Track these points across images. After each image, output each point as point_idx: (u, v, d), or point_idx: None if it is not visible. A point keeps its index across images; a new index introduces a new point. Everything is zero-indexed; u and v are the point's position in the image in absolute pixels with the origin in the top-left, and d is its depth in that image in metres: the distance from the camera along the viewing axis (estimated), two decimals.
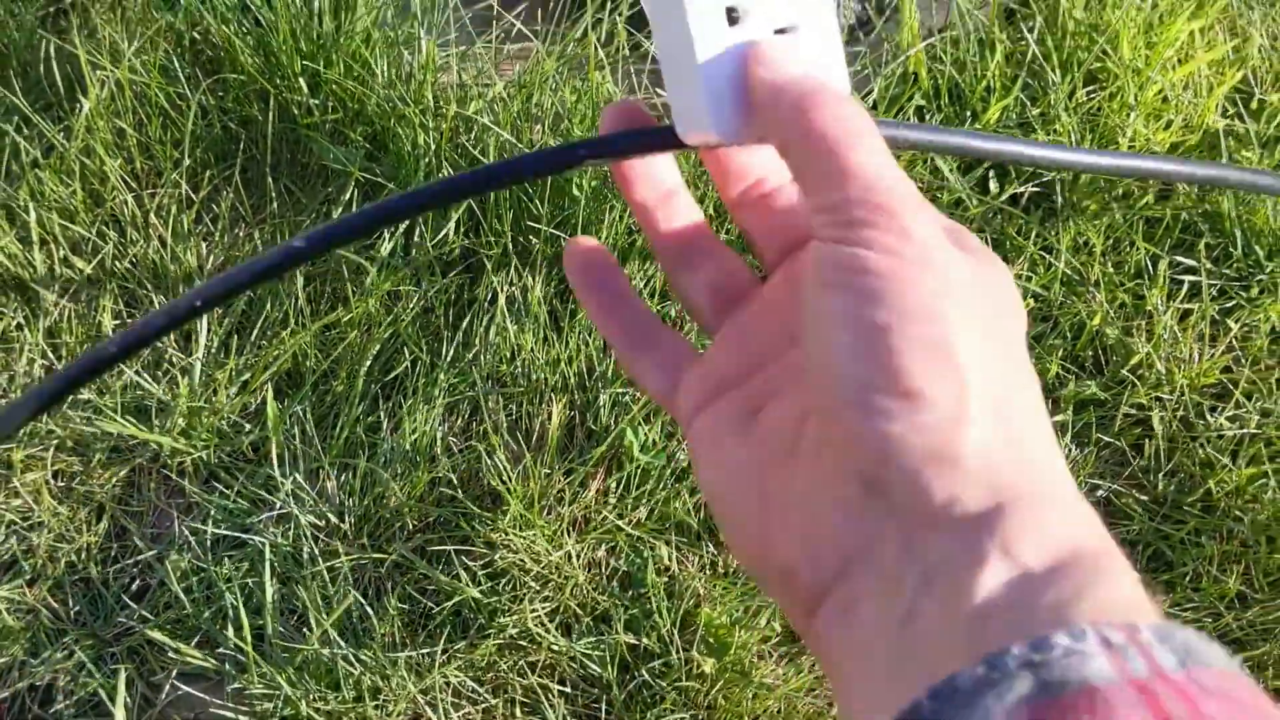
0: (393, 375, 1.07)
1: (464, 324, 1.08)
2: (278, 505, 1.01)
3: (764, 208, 0.40)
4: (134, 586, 1.03)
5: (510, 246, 1.11)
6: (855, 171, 0.31)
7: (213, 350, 1.11)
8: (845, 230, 0.31)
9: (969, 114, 1.19)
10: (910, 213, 0.31)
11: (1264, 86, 1.20)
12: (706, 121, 0.35)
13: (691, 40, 0.34)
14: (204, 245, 1.18)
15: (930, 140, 0.39)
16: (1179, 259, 1.10)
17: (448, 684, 0.96)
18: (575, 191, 1.11)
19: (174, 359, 1.11)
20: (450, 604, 0.96)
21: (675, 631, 0.95)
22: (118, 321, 1.15)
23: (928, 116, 1.20)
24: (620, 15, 1.17)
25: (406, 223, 1.14)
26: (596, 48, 1.14)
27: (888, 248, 0.30)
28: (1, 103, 1.29)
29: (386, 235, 1.13)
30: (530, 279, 1.09)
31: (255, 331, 1.12)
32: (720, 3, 0.35)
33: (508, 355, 1.05)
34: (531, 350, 1.04)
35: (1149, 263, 1.09)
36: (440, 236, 1.12)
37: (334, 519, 1.01)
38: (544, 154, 0.36)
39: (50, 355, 1.13)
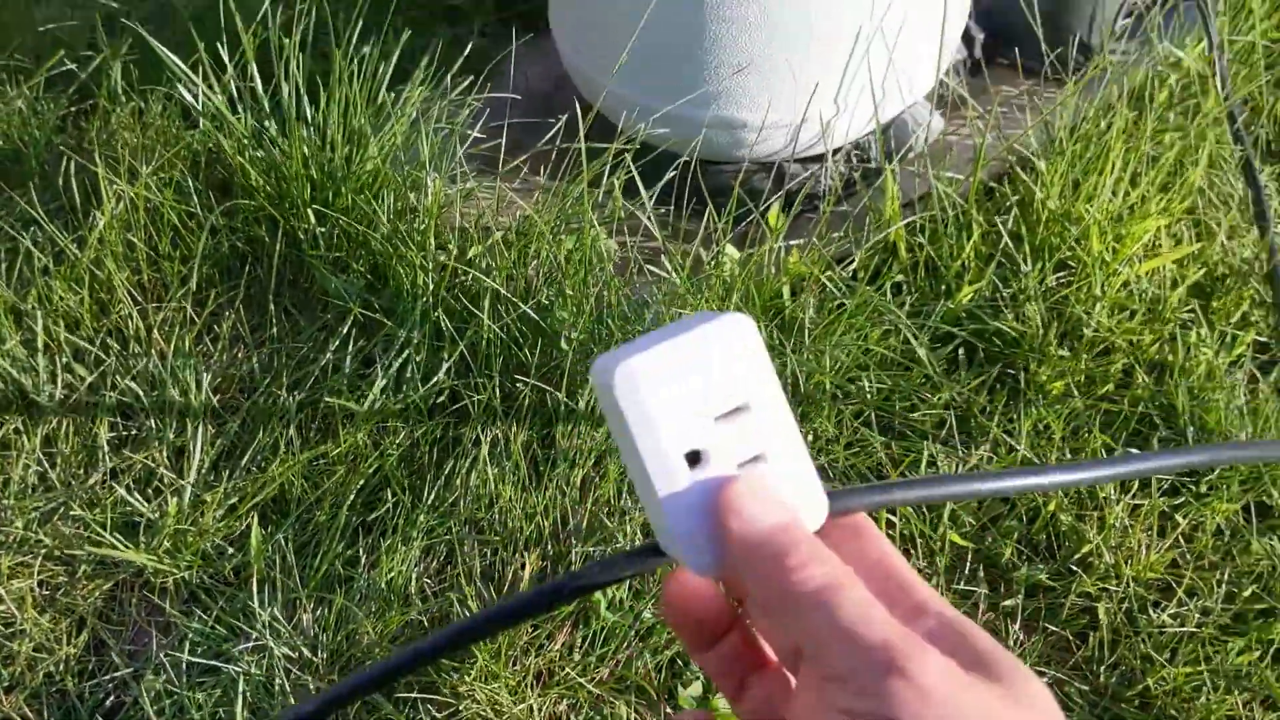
0: (375, 515, 1.11)
1: (447, 466, 1.13)
2: (254, 636, 1.04)
3: None
4: (108, 703, 1.06)
5: (497, 392, 1.16)
6: (848, 630, 0.31)
7: (203, 471, 1.15)
8: (857, 700, 0.30)
9: (944, 288, 1.24)
10: (919, 664, 0.30)
11: (1223, 283, 1.27)
12: (680, 555, 0.35)
13: (650, 480, 0.34)
14: (203, 365, 1.23)
15: (919, 495, 0.41)
16: (1134, 450, 1.15)
17: None
18: (564, 345, 1.16)
19: (166, 479, 1.15)
20: None
21: None
22: (113, 434, 1.19)
23: (905, 289, 1.25)
24: (618, 180, 1.22)
25: (400, 361, 1.18)
26: (592, 208, 1.20)
27: (913, 713, 0.29)
28: (17, 209, 1.34)
29: (379, 373, 1.18)
30: (514, 427, 1.14)
31: (246, 456, 1.16)
32: (679, 446, 0.34)
33: (486, 502, 1.09)
34: (510, 499, 1.09)
35: (1104, 452, 1.14)
36: (432, 381, 1.17)
37: (307, 652, 1.04)
38: (527, 599, 0.38)
39: (45, 464, 1.17)
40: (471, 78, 1.37)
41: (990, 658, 0.32)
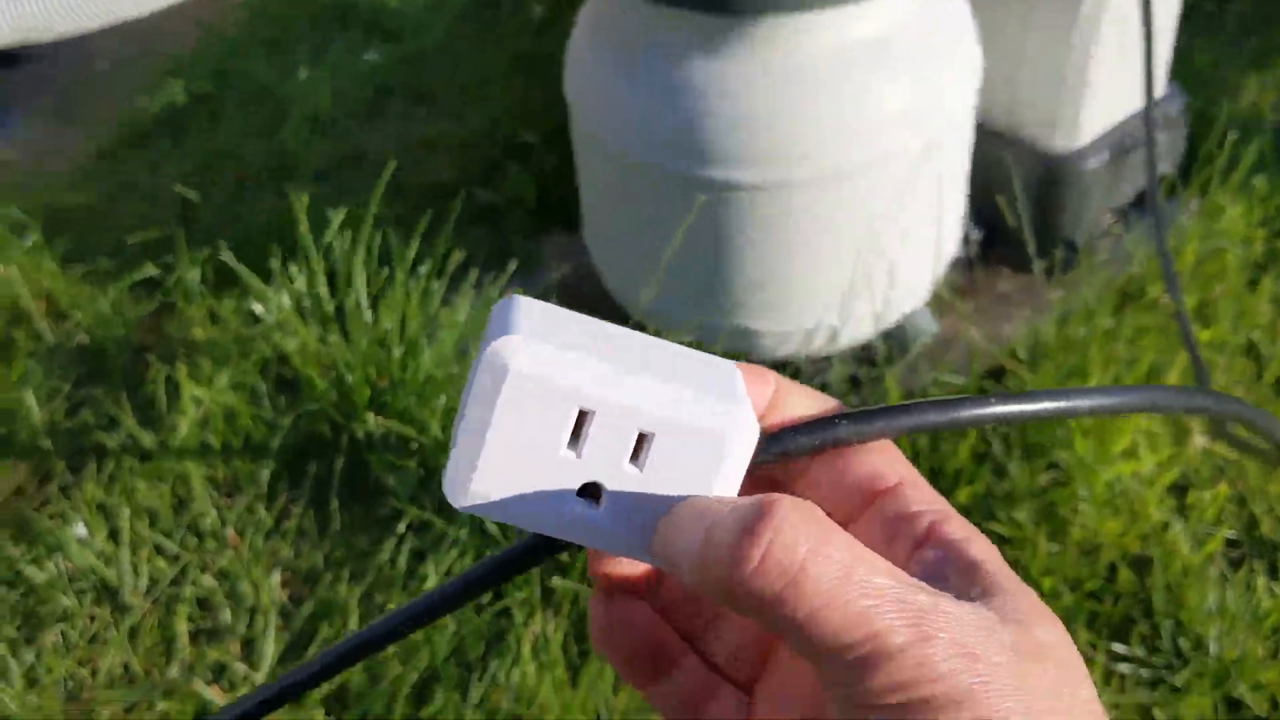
0: (427, 709, 1.23)
1: (492, 665, 1.25)
2: None
3: None
4: None
5: (537, 591, 1.28)
6: (822, 638, 0.27)
7: (273, 665, 1.28)
8: (855, 710, 0.27)
9: (944, 489, 1.37)
10: (930, 633, 0.27)
11: (1199, 481, 1.38)
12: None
13: (584, 543, 0.32)
14: (272, 561, 1.36)
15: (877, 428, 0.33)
16: (1116, 647, 1.26)
17: None
18: None
19: (239, 670, 1.27)
20: None
21: None
22: (191, 624, 1.32)
23: None
24: None
25: (450, 559, 1.31)
26: None
27: (934, 697, 0.26)
28: (102, 407, 1.49)
29: (431, 569, 1.31)
30: (553, 624, 1.26)
31: (312, 646, 1.29)
32: (565, 506, 0.31)
33: (526, 702, 1.21)
34: (547, 697, 1.21)
35: (1089, 648, 1.26)
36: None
37: None
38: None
39: (130, 653, 1.30)
40: (511, 269, 1.52)
41: (997, 595, 0.29)
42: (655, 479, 0.31)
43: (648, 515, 0.31)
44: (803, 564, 0.27)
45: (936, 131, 1.29)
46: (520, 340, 0.30)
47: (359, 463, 1.44)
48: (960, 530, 0.31)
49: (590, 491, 0.31)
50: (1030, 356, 1.43)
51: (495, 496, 0.31)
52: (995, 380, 1.46)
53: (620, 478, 0.31)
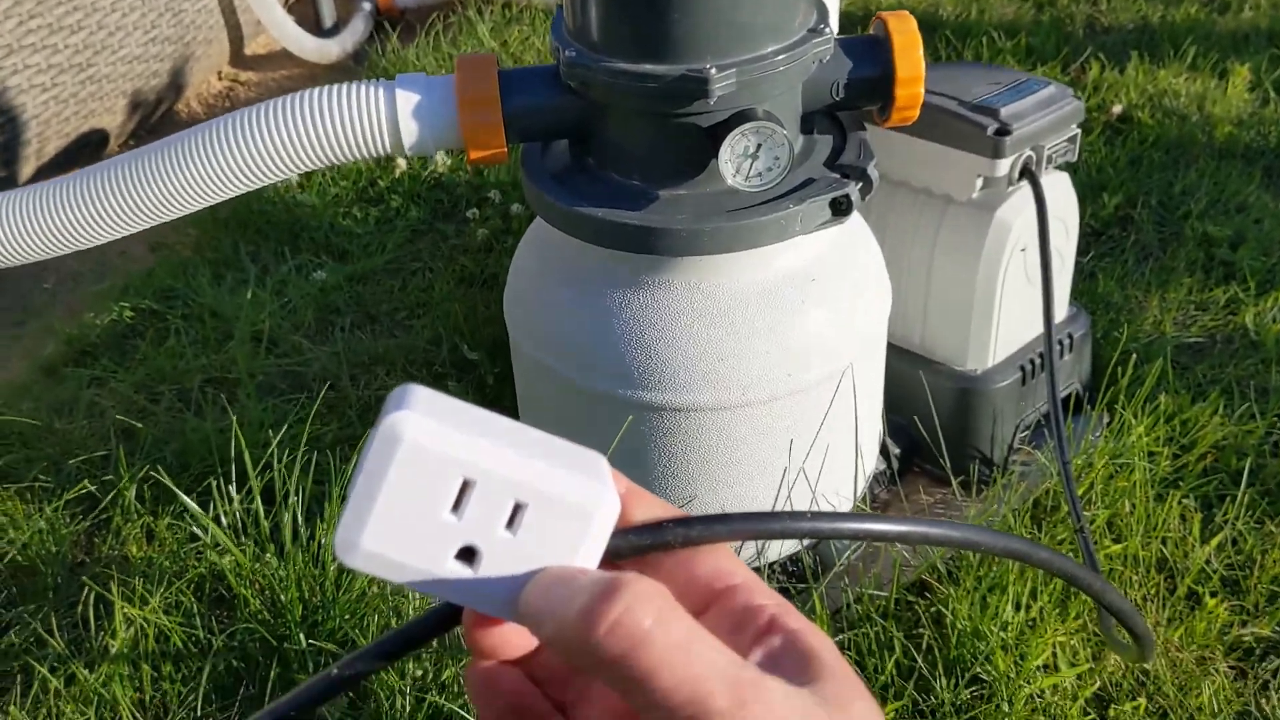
0: None
1: None
2: None
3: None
4: None
5: None
6: (665, 697, 0.31)
7: None
8: None
9: None
10: (749, 704, 0.31)
11: (1120, 695, 1.42)
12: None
13: (458, 602, 0.37)
14: None
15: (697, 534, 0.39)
16: None
17: None
18: None
19: None
20: None
21: None
22: None
23: None
24: None
25: None
26: None
27: None
28: (30, 628, 1.48)
29: None
30: None
31: None
32: (442, 566, 0.36)
33: None
34: None
35: None
36: None
37: None
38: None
39: None
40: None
41: (823, 677, 0.33)
42: (526, 546, 0.36)
43: (517, 578, 0.35)
44: (648, 631, 0.31)
45: (851, 357, 1.37)
46: (414, 416, 0.34)
47: (290, 683, 1.43)
48: (798, 622, 0.35)
49: (466, 555, 0.36)
50: (949, 570, 1.48)
51: (381, 553, 0.35)
52: (918, 594, 1.50)
53: (495, 543, 0.35)
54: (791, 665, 0.34)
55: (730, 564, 0.37)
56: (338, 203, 2.49)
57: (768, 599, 0.36)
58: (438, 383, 1.93)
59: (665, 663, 0.31)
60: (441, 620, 0.39)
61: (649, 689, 0.31)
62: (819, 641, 0.35)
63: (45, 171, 2.49)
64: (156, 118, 2.88)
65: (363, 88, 1.17)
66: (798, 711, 0.31)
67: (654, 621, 0.32)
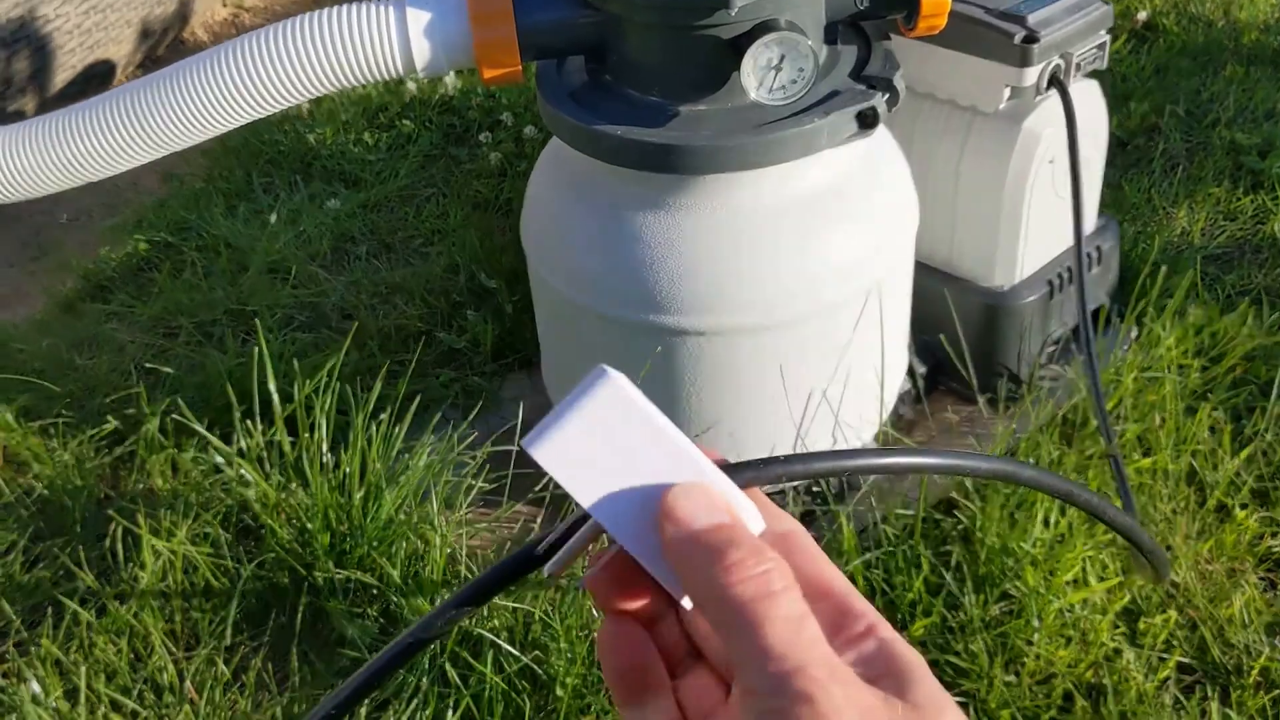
0: None
1: None
2: None
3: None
4: None
5: None
6: (769, 649, 0.33)
7: None
8: (767, 718, 0.33)
9: (900, 621, 1.38)
10: (825, 693, 0.32)
11: (1149, 607, 1.41)
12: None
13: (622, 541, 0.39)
14: (229, 716, 1.35)
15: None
16: None
17: None
18: (559, 691, 1.29)
19: None
20: None
21: None
22: None
23: None
24: None
25: (411, 708, 1.31)
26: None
27: None
28: (59, 561, 1.49)
29: (393, 719, 1.30)
30: None
31: None
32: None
33: None
34: None
35: None
36: None
37: None
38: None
39: None
40: (474, 410, 1.55)
41: (918, 696, 0.34)
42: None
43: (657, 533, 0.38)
44: (778, 593, 0.34)
45: (879, 276, 1.35)
46: (619, 374, 0.40)
47: (320, 611, 1.44)
48: (890, 632, 0.37)
49: (627, 495, 0.39)
50: (976, 488, 1.47)
51: (561, 453, 0.39)
52: (946, 513, 1.49)
53: (651, 492, 0.39)
54: (883, 670, 0.35)
55: (830, 571, 0.39)
56: (348, 129, 2.45)
57: (865, 607, 0.38)
58: (456, 312, 1.92)
59: (779, 622, 0.34)
60: (519, 565, 0.41)
61: (759, 634, 0.33)
62: (910, 653, 0.36)
63: (53, 104, 2.46)
64: (164, 47, 2.84)
65: (372, 6, 1.14)
66: (877, 714, 0.33)
67: (784, 588, 0.35)
